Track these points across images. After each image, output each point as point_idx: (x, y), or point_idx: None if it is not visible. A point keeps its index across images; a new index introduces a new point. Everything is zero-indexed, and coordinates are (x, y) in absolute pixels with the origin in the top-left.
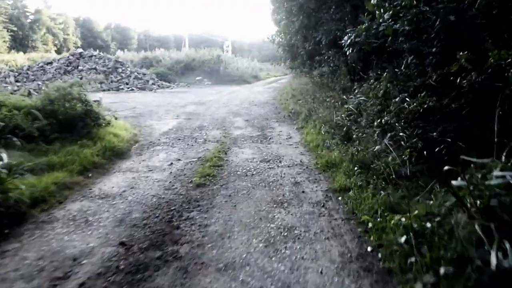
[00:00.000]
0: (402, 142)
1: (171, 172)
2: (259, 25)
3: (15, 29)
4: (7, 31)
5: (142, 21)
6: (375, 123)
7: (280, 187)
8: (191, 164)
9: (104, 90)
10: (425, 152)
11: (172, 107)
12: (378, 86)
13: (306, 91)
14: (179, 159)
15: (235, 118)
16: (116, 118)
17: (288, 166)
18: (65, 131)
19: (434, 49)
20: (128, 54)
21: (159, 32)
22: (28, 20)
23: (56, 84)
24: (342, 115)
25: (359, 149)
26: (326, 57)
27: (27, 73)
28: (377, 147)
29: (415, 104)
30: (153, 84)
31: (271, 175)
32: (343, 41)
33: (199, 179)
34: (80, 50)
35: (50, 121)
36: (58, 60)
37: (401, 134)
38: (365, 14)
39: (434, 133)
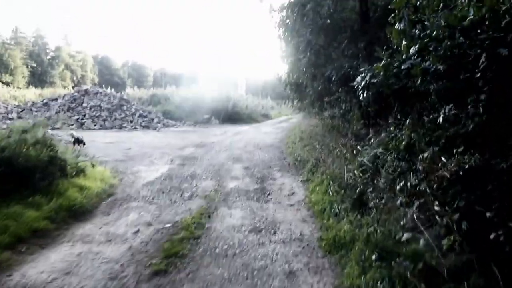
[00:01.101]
0: (437, 217)
1: (130, 247)
2: (273, 63)
3: (35, 65)
4: (27, 67)
5: (158, 59)
6: (398, 187)
7: (268, 280)
8: (162, 233)
9: (106, 128)
10: (474, 235)
11: (170, 149)
12: (399, 135)
13: (315, 134)
14: (150, 224)
15: (235, 165)
16: (93, 165)
17: (284, 242)
18: (21, 184)
19: (483, 96)
20: (137, 91)
21: (174, 70)
22: (48, 57)
23: (16, 125)
24: (355, 171)
25: (378, 229)
26: (336, 98)
27: (31, 109)
28: (404, 236)
29: (452, 164)
30: (158, 122)
31: (259, 256)
32: (355, 83)
33: (161, 261)
34: (86, 86)
35: (1, 172)
36: (63, 96)
37: (436, 207)
38: (383, 48)
39: (488, 213)
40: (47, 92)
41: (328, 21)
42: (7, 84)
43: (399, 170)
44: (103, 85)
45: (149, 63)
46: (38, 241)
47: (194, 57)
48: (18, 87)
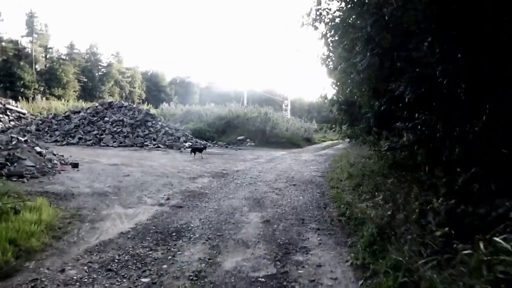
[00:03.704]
0: None
1: None
2: (320, 85)
3: (86, 80)
4: (78, 81)
5: (205, 77)
6: None
7: None
8: None
9: (126, 146)
10: None
11: (178, 178)
12: None
13: (371, 172)
14: None
15: (250, 215)
16: (17, 211)
17: None
18: None
19: None
20: (172, 107)
21: (221, 88)
22: (99, 73)
23: None
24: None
25: None
26: (410, 125)
27: (51, 122)
28: None
29: None
30: (184, 141)
31: None
32: None
33: None
34: (110, 99)
35: None
36: (86, 109)
37: None
38: None
39: None
40: (77, 105)
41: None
42: (58, 97)
43: None
44: (145, 101)
45: (196, 81)
46: None
47: (241, 76)
48: (67, 101)
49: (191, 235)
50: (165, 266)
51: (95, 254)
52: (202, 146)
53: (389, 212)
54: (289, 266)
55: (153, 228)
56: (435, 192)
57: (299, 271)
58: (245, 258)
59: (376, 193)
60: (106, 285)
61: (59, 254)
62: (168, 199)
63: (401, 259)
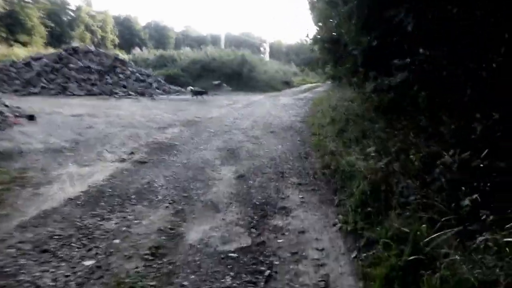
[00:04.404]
0: None
1: None
2: (299, 27)
3: (53, 25)
4: (45, 27)
5: (181, 20)
6: None
7: None
8: None
9: (94, 94)
10: None
11: (146, 129)
12: None
13: (355, 116)
14: None
15: (223, 169)
16: None
17: None
18: None
19: None
20: (145, 52)
21: (197, 32)
22: (68, 17)
23: None
24: None
25: None
26: (409, 61)
27: (9, 70)
28: None
29: None
30: (157, 88)
31: None
32: None
33: None
34: (75, 44)
35: None
36: (50, 55)
37: None
38: None
39: None
40: (39, 51)
41: None
42: (24, 44)
43: None
44: (118, 46)
45: (172, 25)
46: None
47: (217, 19)
48: (32, 47)
49: (153, 198)
50: (117, 241)
51: (30, 230)
52: (203, 90)
53: (381, 165)
54: (267, 234)
55: (109, 190)
56: (438, 142)
57: (278, 241)
58: (214, 226)
59: (364, 141)
60: (36, 274)
61: None
62: (131, 153)
63: (406, 230)
